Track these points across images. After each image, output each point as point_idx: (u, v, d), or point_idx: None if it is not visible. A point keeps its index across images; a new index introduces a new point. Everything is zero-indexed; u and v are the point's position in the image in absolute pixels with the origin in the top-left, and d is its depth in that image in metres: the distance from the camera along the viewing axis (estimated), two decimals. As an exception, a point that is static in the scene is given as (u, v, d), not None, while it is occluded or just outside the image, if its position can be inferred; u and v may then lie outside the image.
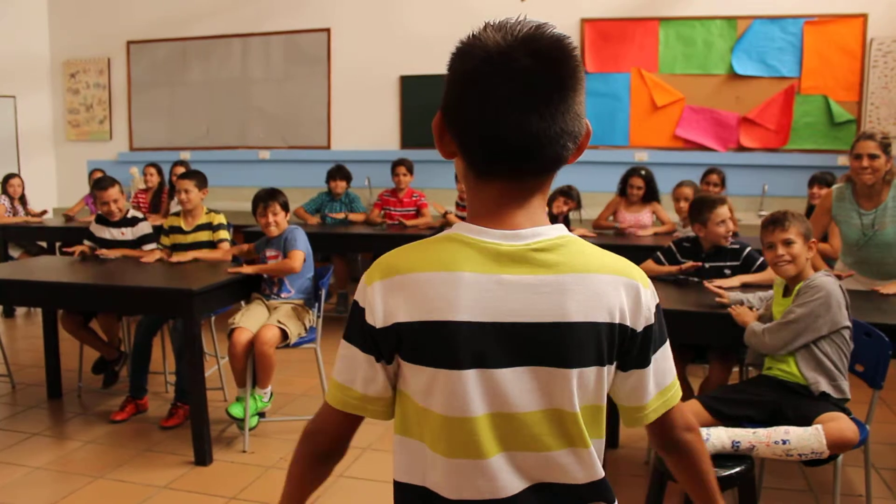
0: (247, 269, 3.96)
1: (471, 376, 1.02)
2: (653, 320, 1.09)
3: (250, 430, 3.70)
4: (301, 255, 3.92)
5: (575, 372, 1.03)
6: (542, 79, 0.99)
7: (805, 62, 6.58)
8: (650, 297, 1.09)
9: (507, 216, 1.05)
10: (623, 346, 1.07)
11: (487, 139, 1.01)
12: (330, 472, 1.21)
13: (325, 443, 1.17)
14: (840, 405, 2.59)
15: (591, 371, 1.05)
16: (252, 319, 3.79)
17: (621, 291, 1.06)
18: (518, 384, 1.03)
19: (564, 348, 1.03)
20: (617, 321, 1.05)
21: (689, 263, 3.54)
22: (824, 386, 2.60)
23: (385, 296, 1.04)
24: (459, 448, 1.04)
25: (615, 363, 1.08)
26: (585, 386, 1.05)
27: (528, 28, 1.00)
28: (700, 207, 3.53)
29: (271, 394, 3.85)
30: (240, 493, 3.20)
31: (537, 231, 1.05)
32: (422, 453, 1.08)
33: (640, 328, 1.08)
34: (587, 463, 1.07)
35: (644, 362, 1.11)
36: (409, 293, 1.03)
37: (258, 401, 3.76)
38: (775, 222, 2.81)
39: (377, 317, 1.04)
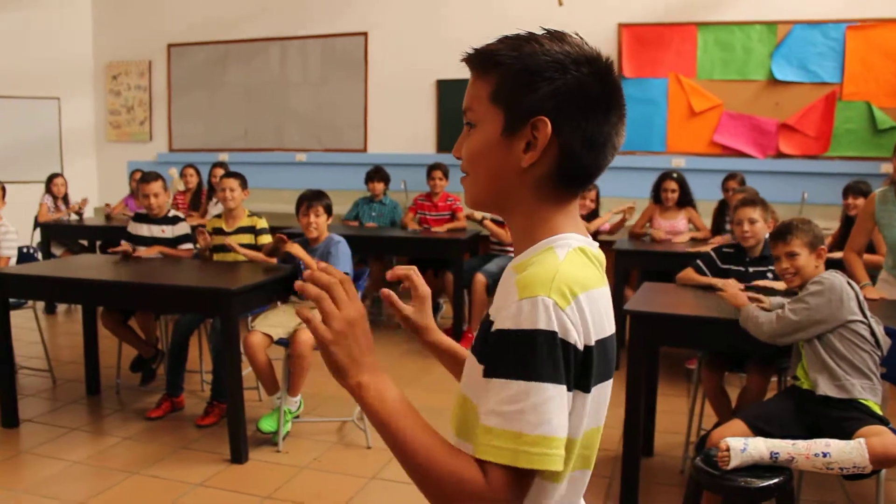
0: (301, 253, 3.86)
1: (609, 386, 1.05)
2: None
3: (283, 437, 3.73)
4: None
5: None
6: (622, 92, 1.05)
7: (847, 68, 6.46)
8: None
9: (581, 225, 1.08)
10: None
11: (605, 149, 1.03)
12: None
13: None
14: (860, 407, 2.49)
15: None
16: (270, 325, 3.82)
17: None
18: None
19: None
20: None
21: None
22: (823, 387, 2.53)
23: (582, 313, 0.96)
24: (581, 460, 1.03)
25: None
26: None
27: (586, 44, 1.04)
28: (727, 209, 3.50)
29: (301, 402, 3.87)
30: (274, 492, 3.23)
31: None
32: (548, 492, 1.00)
33: None
34: None
35: None
36: (592, 310, 0.98)
37: (287, 412, 3.78)
38: (777, 235, 2.82)
39: (579, 337, 0.95)
